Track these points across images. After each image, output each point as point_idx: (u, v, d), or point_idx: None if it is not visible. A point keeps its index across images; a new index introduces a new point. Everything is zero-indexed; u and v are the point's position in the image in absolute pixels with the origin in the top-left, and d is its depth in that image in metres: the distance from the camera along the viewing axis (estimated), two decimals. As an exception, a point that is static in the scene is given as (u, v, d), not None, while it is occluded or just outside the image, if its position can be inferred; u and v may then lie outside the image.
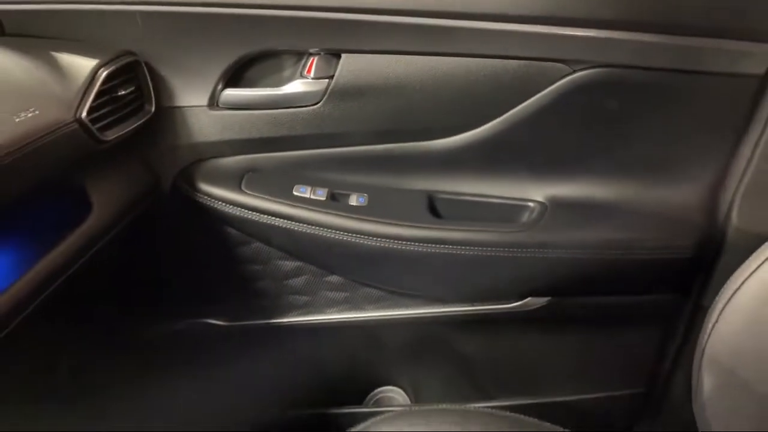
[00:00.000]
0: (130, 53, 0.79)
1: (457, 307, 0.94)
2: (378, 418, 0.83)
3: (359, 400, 1.07)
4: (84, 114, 0.69)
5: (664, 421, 1.00)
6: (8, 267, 0.66)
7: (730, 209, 0.86)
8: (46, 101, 0.67)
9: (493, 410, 0.86)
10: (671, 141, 0.85)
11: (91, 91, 0.71)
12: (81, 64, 0.73)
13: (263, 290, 0.96)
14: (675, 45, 0.79)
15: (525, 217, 0.90)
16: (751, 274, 0.70)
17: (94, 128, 0.71)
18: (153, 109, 0.83)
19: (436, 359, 1.01)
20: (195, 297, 0.98)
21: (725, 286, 0.72)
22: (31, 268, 0.66)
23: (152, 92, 0.83)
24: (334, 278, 0.95)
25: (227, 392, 1.05)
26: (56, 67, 0.72)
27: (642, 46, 0.79)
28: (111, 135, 0.74)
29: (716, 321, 0.72)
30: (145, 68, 0.81)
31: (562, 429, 0.82)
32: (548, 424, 0.84)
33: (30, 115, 0.63)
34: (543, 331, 0.96)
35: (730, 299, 0.72)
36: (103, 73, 0.74)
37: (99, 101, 0.72)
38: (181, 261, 0.96)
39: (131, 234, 0.84)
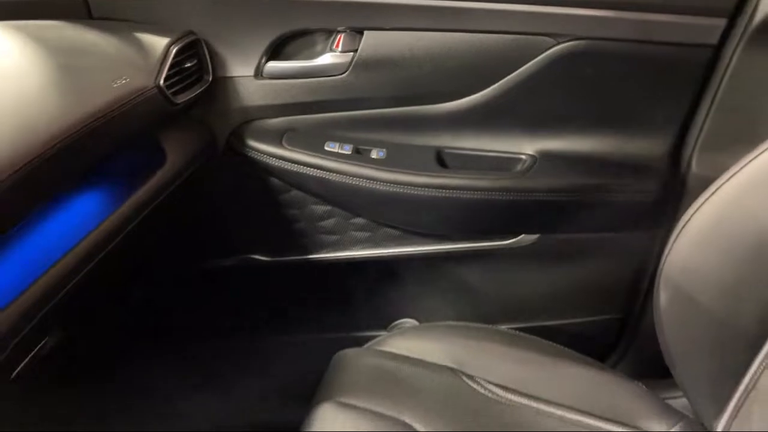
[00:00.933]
0: (192, 33, 0.97)
1: (461, 243, 1.11)
2: (393, 332, 1.01)
3: (380, 328, 1.24)
4: (161, 81, 0.87)
5: (640, 342, 1.16)
6: (105, 203, 0.84)
7: (690, 159, 1.01)
8: (133, 71, 0.85)
9: (490, 326, 1.04)
10: (640, 101, 1.00)
11: (166, 64, 0.88)
12: (156, 42, 0.91)
13: (299, 230, 1.14)
14: (642, 20, 0.94)
15: (518, 167, 1.06)
16: (703, 203, 0.85)
17: (168, 93, 0.88)
18: (210, 78, 1.00)
19: (443, 289, 1.18)
20: (243, 237, 1.16)
21: (684, 214, 0.87)
22: (121, 206, 0.84)
23: (210, 65, 1.00)
24: (358, 220, 1.12)
25: (268, 316, 1.24)
26: (137, 44, 0.90)
27: (615, 22, 0.94)
28: (180, 99, 0.92)
29: (673, 243, 0.88)
30: (203, 45, 0.98)
31: (550, 342, 0.99)
32: (532, 336, 1.02)
33: (123, 82, 0.81)
34: (534, 263, 1.13)
35: (685, 225, 0.87)
36: (174, 49, 0.91)
37: (171, 72, 0.90)
38: (232, 206, 1.13)
39: (193, 183, 1.02)
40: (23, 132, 0.65)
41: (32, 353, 0.71)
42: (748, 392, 0.81)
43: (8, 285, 0.66)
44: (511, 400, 0.89)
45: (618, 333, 1.19)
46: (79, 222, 0.77)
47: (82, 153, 0.72)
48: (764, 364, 0.78)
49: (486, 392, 0.89)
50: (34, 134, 0.66)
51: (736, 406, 0.83)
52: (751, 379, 0.80)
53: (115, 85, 0.79)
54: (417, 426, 0.82)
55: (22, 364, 0.73)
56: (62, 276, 0.71)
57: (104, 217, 0.79)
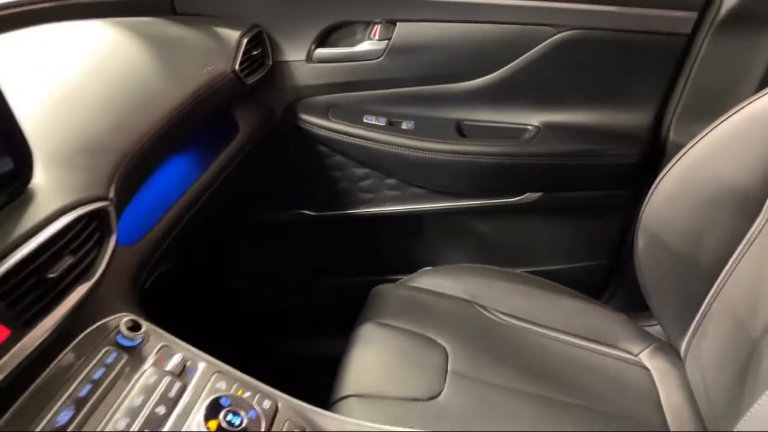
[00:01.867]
0: (257, 25, 1.17)
1: (476, 200, 1.31)
2: (417, 272, 1.22)
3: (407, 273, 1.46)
4: (237, 67, 1.07)
5: (625, 283, 1.36)
6: (198, 164, 1.05)
7: (668, 128, 1.20)
8: (215, 59, 1.05)
9: (499, 268, 1.24)
10: (625, 81, 1.19)
11: (239, 52, 1.09)
12: (231, 34, 1.11)
13: (341, 190, 1.35)
14: (627, 12, 1.12)
15: (524, 136, 1.26)
16: (675, 164, 1.02)
17: (241, 76, 1.09)
18: (270, 63, 1.21)
19: (460, 239, 1.39)
20: (295, 194, 1.37)
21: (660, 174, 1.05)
22: (209, 167, 1.05)
23: (270, 52, 1.20)
24: (390, 181, 1.33)
25: (314, 262, 1.45)
26: (216, 36, 1.10)
27: (605, 14, 1.13)
28: (249, 81, 1.12)
29: (649, 198, 1.06)
30: (265, 35, 1.19)
31: (549, 281, 1.19)
32: (534, 276, 1.22)
33: (210, 68, 1.02)
34: (537, 217, 1.33)
35: (659, 182, 1.05)
36: (244, 40, 1.11)
37: (242, 59, 1.10)
38: (286, 169, 1.34)
39: (255, 149, 1.23)
40: (143, 110, 0.86)
41: (150, 280, 0.92)
42: (704, 315, 1.00)
43: (137, 226, 0.87)
44: (515, 325, 1.09)
45: (607, 276, 1.39)
46: (181, 179, 0.98)
47: (184, 126, 0.93)
48: (716, 292, 0.97)
49: (495, 318, 1.10)
50: (152, 112, 0.87)
51: (695, 327, 1.02)
52: (706, 305, 0.99)
53: (204, 71, 1.00)
54: (439, 340, 1.03)
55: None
56: (173, 220, 0.92)
57: (198, 176, 1.01)
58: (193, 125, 0.97)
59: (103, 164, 0.71)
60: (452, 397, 0.93)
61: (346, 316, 1.13)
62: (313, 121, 1.27)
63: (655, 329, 1.20)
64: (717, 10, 1.09)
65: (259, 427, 0.59)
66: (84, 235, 0.62)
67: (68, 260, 0.59)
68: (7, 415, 0.52)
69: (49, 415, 0.53)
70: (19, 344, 0.52)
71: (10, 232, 0.55)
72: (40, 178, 0.62)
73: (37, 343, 0.54)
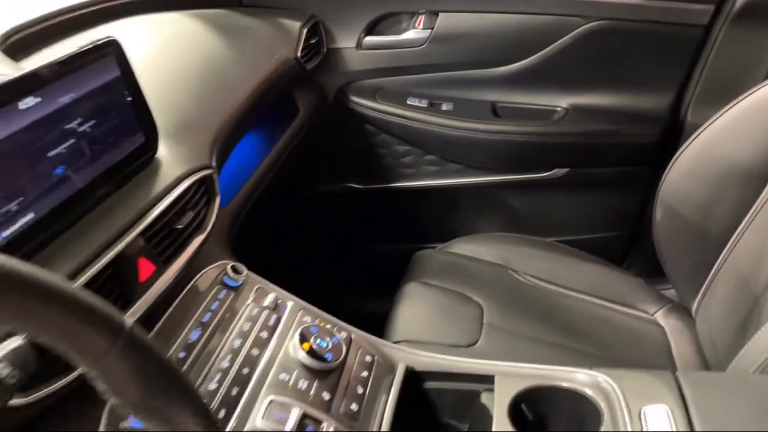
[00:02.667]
0: (314, 16, 1.30)
1: (509, 175, 1.44)
2: (454, 240, 1.35)
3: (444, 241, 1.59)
4: (298, 54, 1.21)
5: (644, 252, 1.48)
6: (268, 140, 1.19)
7: (686, 111, 1.31)
8: (280, 47, 1.19)
9: (528, 237, 1.37)
10: (647, 67, 1.30)
11: (300, 41, 1.22)
12: (292, 25, 1.24)
13: (385, 165, 1.49)
14: (650, 5, 1.24)
15: (554, 116, 1.38)
16: (690, 143, 1.14)
17: (302, 62, 1.22)
18: (325, 50, 1.34)
19: (493, 210, 1.51)
20: (343, 168, 1.51)
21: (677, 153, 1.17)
22: (277, 143, 1.19)
23: (324, 40, 1.33)
24: (430, 157, 1.46)
25: (359, 231, 1.59)
26: (280, 27, 1.24)
27: (629, 6, 1.24)
28: (308, 66, 1.26)
29: (667, 173, 1.17)
30: (321, 25, 1.31)
31: (574, 249, 1.31)
32: (560, 244, 1.34)
33: (277, 56, 1.15)
34: (564, 191, 1.45)
35: (676, 159, 1.16)
36: (304, 30, 1.24)
37: (302, 46, 1.23)
38: (336, 146, 1.48)
39: (310, 128, 1.36)
40: (227, 93, 1.00)
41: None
42: (713, 278, 1.12)
43: (225, 191, 1.02)
44: (542, 286, 1.22)
45: (627, 245, 1.51)
46: (254, 154, 1.13)
47: (258, 106, 1.07)
48: (725, 258, 1.09)
49: (525, 280, 1.23)
50: (234, 94, 1.01)
51: (705, 288, 1.15)
52: (716, 269, 1.11)
53: (272, 59, 1.13)
54: (475, 298, 1.16)
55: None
56: (250, 190, 1.07)
57: (267, 152, 1.15)
58: (264, 105, 1.10)
59: (204, 139, 0.86)
60: (487, 345, 1.06)
61: (389, 279, 1.26)
62: (361, 102, 1.40)
63: (670, 293, 1.32)
64: (732, 3, 1.19)
65: (341, 351, 0.73)
66: (197, 196, 0.77)
67: (190, 215, 0.74)
68: (151, 334, 0.67)
69: (183, 334, 0.68)
70: (161, 278, 0.67)
71: (148, 192, 0.70)
72: (159, 150, 0.76)
73: (173, 278, 0.69)
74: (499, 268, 1.25)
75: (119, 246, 0.62)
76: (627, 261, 1.53)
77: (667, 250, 1.22)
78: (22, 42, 0.87)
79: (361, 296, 1.52)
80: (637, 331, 1.19)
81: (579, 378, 0.72)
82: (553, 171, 1.41)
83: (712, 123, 1.09)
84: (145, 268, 0.65)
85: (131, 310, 0.64)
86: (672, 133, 1.32)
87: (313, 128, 1.36)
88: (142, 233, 0.66)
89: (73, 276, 0.58)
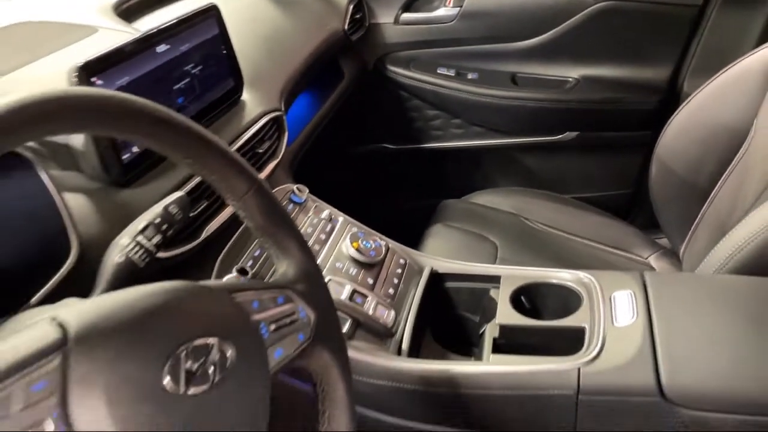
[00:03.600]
0: (359, -6, 1.50)
1: (525, 138, 1.63)
2: (474, 193, 1.54)
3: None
4: (346, 26, 1.41)
5: (645, 209, 1.66)
6: (317, 101, 1.40)
7: (683, 81, 1.48)
8: (331, 19, 1.39)
9: (541, 191, 1.55)
10: (648, 43, 1.47)
11: (347, 16, 1.42)
12: (341, 1, 1.44)
13: (416, 127, 1.69)
14: (651, -13, 1.41)
15: (566, 86, 1.56)
16: (683, 107, 1.29)
17: (348, 34, 1.42)
18: (367, 24, 1.54)
19: (511, 168, 1.70)
20: (379, 131, 1.72)
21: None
22: (326, 102, 1.40)
23: (367, 15, 1.53)
24: (456, 120, 1.66)
25: (392, 186, 1.80)
26: (330, 3, 1.44)
27: (632, -11, 1.41)
28: (353, 37, 1.46)
29: (662, 134, 1.34)
30: (364, 3, 1.51)
31: (581, 202, 1.49)
32: (569, 198, 1.52)
33: (329, 27, 1.35)
34: (574, 152, 1.63)
35: (671, 122, 1.33)
36: (350, 6, 1.45)
37: (349, 20, 1.43)
38: (373, 110, 1.68)
39: (353, 93, 1.56)
40: (291, 53, 1.21)
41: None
42: (697, 225, 1.30)
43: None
44: (550, 232, 1.40)
45: (629, 202, 1.68)
46: (310, 109, 1.34)
47: (314, 67, 1.28)
48: (708, 206, 1.26)
49: (535, 226, 1.42)
50: (296, 54, 1.22)
51: (691, 234, 1.32)
52: (700, 216, 1.28)
53: (326, 29, 1.34)
54: (491, 238, 1.35)
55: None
56: (304, 138, 1.28)
57: (319, 108, 1.36)
58: (317, 68, 1.31)
59: (274, 88, 1.07)
60: (500, 275, 1.26)
61: (417, 228, 1.45)
62: (397, 71, 1.60)
63: (663, 242, 1.49)
64: (723, -13, 1.36)
65: (381, 251, 0.94)
66: (271, 131, 0.98)
67: (267, 144, 0.95)
68: (240, 229, 0.88)
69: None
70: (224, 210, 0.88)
71: (237, 125, 0.91)
72: (243, 94, 0.97)
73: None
74: (513, 217, 1.44)
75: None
76: (630, 216, 1.71)
77: (661, 202, 1.40)
78: (132, 7, 1.08)
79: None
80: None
81: (565, 276, 0.91)
82: (565, 134, 1.60)
83: (702, 89, 1.26)
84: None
85: (224, 212, 0.85)
86: (670, 102, 1.49)
87: (354, 93, 1.56)
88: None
89: (188, 179, 0.79)
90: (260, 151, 0.92)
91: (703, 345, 0.77)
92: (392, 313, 0.88)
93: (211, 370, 0.43)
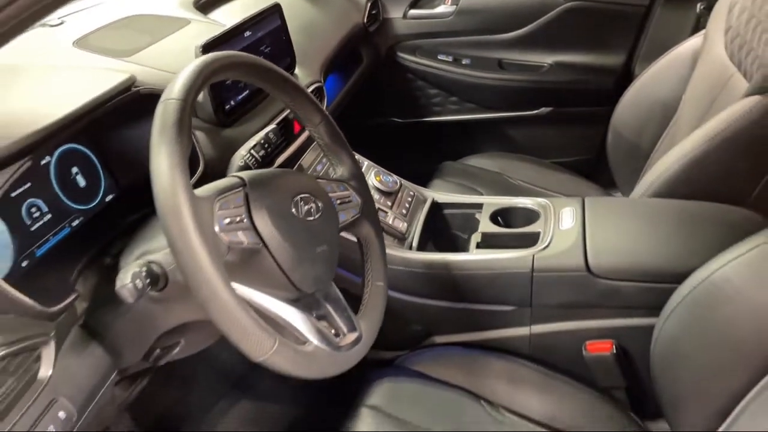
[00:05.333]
0: (375, -7, 1.82)
1: (509, 113, 1.96)
2: (467, 156, 1.86)
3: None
4: (364, 20, 1.73)
5: (605, 172, 1.98)
6: (342, 81, 1.72)
7: (634, 66, 1.81)
8: (353, 15, 1.71)
9: (522, 155, 1.88)
10: (606, 35, 1.79)
11: (365, 11, 1.75)
12: (359, 1, 1.76)
13: (420, 104, 2.02)
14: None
15: (542, 70, 1.88)
16: (633, 84, 1.60)
17: (367, 26, 1.74)
18: (381, 19, 1.86)
19: (496, 138, 2.03)
20: (388, 107, 2.04)
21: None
22: (349, 81, 1.72)
23: (381, 11, 1.85)
24: (453, 98, 1.98)
25: (399, 154, 2.12)
26: (351, 1, 1.75)
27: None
28: (370, 29, 1.78)
29: (616, 108, 1.65)
30: (379, 1, 1.83)
31: (550, 163, 1.82)
32: (543, 160, 1.84)
33: (351, 20, 1.68)
34: (547, 124, 1.95)
35: (622, 98, 1.64)
36: (368, 4, 1.77)
37: (367, 15, 1.75)
38: (385, 89, 2.01)
39: (369, 75, 1.88)
40: (325, 39, 1.53)
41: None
42: (641, 177, 1.62)
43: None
44: (528, 187, 1.72)
45: (593, 166, 2.01)
46: (335, 86, 1.66)
47: (341, 51, 1.60)
48: (649, 165, 1.59)
49: (516, 183, 1.73)
50: (328, 40, 1.53)
51: (636, 186, 1.65)
52: (643, 171, 1.61)
53: (349, 22, 1.66)
54: (478, 189, 1.68)
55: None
56: (334, 108, 1.60)
57: (343, 86, 1.68)
58: (343, 53, 1.63)
59: (315, 65, 1.39)
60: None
61: (422, 185, 1.77)
62: (405, 57, 1.93)
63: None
64: (664, -10, 1.69)
65: (396, 185, 1.27)
66: (317, 96, 1.30)
67: (313, 105, 1.27)
68: (298, 162, 1.21)
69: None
70: (302, 134, 1.21)
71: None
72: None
73: (307, 134, 1.22)
74: (498, 175, 1.76)
75: (285, 113, 1.16)
76: (593, 177, 2.03)
77: (615, 163, 1.72)
78: (207, 2, 1.40)
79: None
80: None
81: (528, 201, 1.25)
82: (541, 109, 1.93)
83: (646, 71, 1.59)
84: (296, 126, 1.19)
85: (294, 144, 1.17)
86: (624, 82, 1.81)
87: (370, 75, 1.88)
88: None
89: (266, 124, 1.11)
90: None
91: (617, 238, 1.11)
92: (405, 224, 1.21)
93: (313, 209, 0.76)
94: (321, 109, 0.88)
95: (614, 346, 1.08)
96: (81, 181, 0.92)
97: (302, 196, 0.76)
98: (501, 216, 1.25)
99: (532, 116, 1.95)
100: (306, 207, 0.76)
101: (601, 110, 1.89)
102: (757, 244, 0.85)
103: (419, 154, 2.09)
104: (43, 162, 0.85)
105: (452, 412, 1.03)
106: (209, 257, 0.59)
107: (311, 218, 0.76)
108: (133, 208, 0.92)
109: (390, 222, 1.18)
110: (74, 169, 0.91)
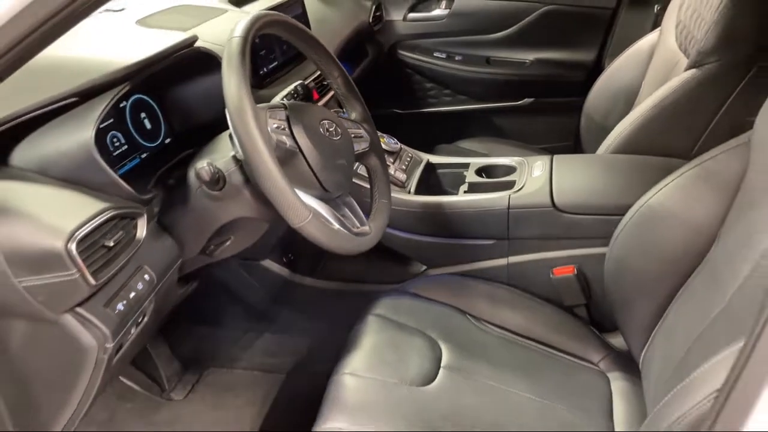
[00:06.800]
0: (379, -1, 2.07)
1: (496, 103, 2.20)
2: (461, 140, 2.09)
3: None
4: (370, 20, 1.98)
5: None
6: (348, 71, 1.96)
7: (604, 60, 2.05)
8: (360, 15, 1.95)
9: (506, 140, 2.11)
10: (579, 35, 2.04)
11: (371, 13, 1.99)
12: (366, 3, 2.01)
13: (418, 95, 2.26)
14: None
15: (524, 65, 2.12)
16: (600, 76, 1.86)
17: (372, 26, 1.99)
18: (384, 20, 2.11)
19: (485, 125, 2.26)
20: (389, 98, 2.28)
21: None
22: (353, 73, 1.96)
23: (384, 13, 2.10)
24: (447, 90, 2.23)
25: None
26: (358, 3, 2.00)
27: (567, -3, 1.99)
28: (375, 28, 2.03)
29: (588, 96, 1.89)
30: (382, 4, 2.08)
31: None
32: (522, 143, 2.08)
33: (359, 19, 1.92)
34: (529, 113, 2.19)
35: (593, 86, 1.88)
36: (373, 6, 2.01)
37: (372, 17, 2.00)
38: (388, 81, 2.25)
39: (373, 69, 2.12)
40: (334, 34, 1.77)
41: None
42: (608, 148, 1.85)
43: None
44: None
45: (572, 151, 2.23)
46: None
47: (349, 46, 1.84)
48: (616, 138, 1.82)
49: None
50: (338, 36, 1.77)
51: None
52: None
53: (356, 21, 1.91)
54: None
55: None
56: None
57: (350, 75, 1.92)
58: (351, 47, 1.87)
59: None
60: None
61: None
62: (405, 54, 2.18)
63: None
64: (627, -6, 1.94)
65: (398, 146, 1.49)
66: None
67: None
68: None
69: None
70: (321, 101, 1.44)
71: (312, 67, 1.47)
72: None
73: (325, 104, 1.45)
74: (484, 155, 2.00)
75: (306, 81, 1.39)
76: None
77: (586, 142, 1.95)
78: (240, -1, 1.65)
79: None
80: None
81: (506, 160, 1.47)
82: (523, 100, 2.17)
83: (612, 64, 1.83)
84: (315, 94, 1.42)
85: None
86: (596, 75, 2.05)
87: (373, 69, 2.12)
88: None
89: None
90: (325, 83, 1.48)
91: (577, 181, 1.33)
92: (405, 176, 1.43)
93: (334, 132, 0.99)
94: (339, 65, 1.11)
95: (576, 270, 1.29)
96: (147, 125, 1.14)
97: (327, 121, 0.99)
98: (484, 171, 1.48)
99: (516, 106, 2.19)
100: (330, 129, 0.98)
101: (575, 101, 2.12)
102: (684, 171, 1.07)
103: (417, 139, 2.33)
104: (121, 105, 1.08)
105: (443, 321, 1.23)
106: (265, 145, 0.82)
107: (334, 138, 0.98)
108: (184, 148, 1.15)
109: (392, 173, 1.40)
110: (142, 115, 1.13)
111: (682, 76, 1.36)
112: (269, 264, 1.51)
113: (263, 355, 1.59)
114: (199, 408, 1.49)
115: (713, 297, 0.88)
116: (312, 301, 1.55)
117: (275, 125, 0.89)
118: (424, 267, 1.45)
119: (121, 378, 1.51)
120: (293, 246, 1.54)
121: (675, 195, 1.06)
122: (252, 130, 0.81)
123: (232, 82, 0.83)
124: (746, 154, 0.92)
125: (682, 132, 1.39)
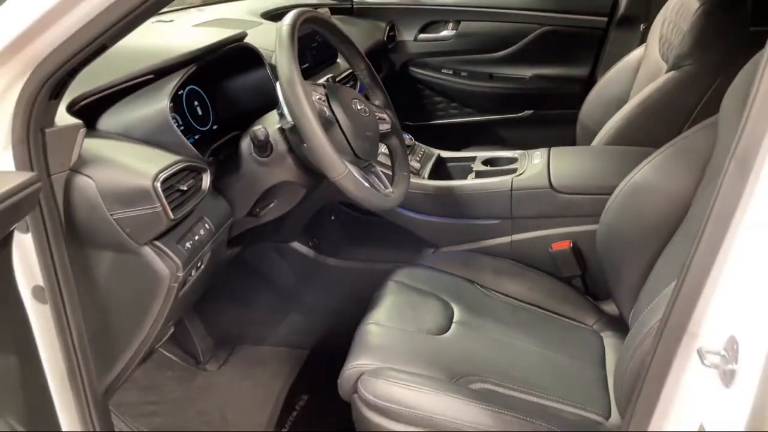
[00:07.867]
0: (392, 21, 2.27)
1: (498, 115, 2.38)
2: (468, 149, 2.27)
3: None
4: (385, 39, 2.17)
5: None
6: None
7: (597, 75, 2.23)
8: (375, 35, 2.15)
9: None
10: (574, 51, 2.23)
11: (385, 33, 2.19)
12: (381, 25, 2.21)
13: (428, 109, 2.45)
14: (574, 17, 2.18)
15: (524, 80, 2.31)
16: (594, 86, 2.04)
17: (386, 44, 2.19)
18: (397, 40, 2.31)
19: (490, 134, 2.43)
20: (402, 111, 2.43)
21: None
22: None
23: (397, 34, 2.31)
24: (454, 104, 2.42)
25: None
26: (374, 25, 2.20)
27: (562, 19, 2.18)
28: (389, 47, 2.22)
29: (583, 105, 2.07)
30: (396, 26, 2.29)
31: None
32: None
33: (374, 39, 2.12)
34: (529, 124, 2.36)
35: (587, 97, 2.06)
36: (387, 28, 2.21)
37: (386, 37, 2.20)
38: (400, 95, 2.42)
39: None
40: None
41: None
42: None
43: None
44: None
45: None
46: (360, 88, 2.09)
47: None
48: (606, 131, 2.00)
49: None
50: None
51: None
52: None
53: (372, 40, 2.10)
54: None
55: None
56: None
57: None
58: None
59: (350, 61, 1.81)
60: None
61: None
62: (415, 71, 2.38)
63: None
64: (616, 15, 2.14)
65: (413, 141, 1.66)
66: (351, 79, 1.72)
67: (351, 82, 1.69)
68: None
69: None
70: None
71: (338, 69, 1.65)
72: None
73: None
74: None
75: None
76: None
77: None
78: (270, 13, 1.84)
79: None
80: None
81: (509, 153, 1.63)
82: (524, 112, 2.35)
83: (604, 77, 2.01)
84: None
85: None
86: (589, 88, 2.24)
87: (387, 84, 2.29)
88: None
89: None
90: (350, 80, 1.67)
91: (572, 166, 1.49)
92: (419, 165, 1.60)
93: (363, 109, 1.16)
94: (365, 59, 1.29)
95: (572, 243, 1.44)
96: (199, 111, 1.32)
97: (357, 100, 1.16)
98: (489, 163, 1.64)
99: (517, 118, 2.37)
100: (360, 107, 1.15)
101: (573, 111, 2.31)
102: (663, 150, 1.22)
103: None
104: (179, 93, 1.26)
105: (454, 288, 1.38)
106: (311, 109, 0.99)
107: (363, 114, 1.15)
108: (230, 132, 1.32)
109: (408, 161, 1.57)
110: (195, 103, 1.31)
111: (663, 77, 1.53)
112: (297, 246, 1.67)
113: (289, 333, 1.73)
114: (232, 378, 1.63)
115: (687, 252, 1.05)
116: (334, 279, 1.69)
117: (317, 97, 1.06)
118: (436, 248, 1.60)
119: (162, 350, 1.65)
120: (318, 229, 1.70)
121: (655, 171, 1.20)
122: (301, 97, 0.98)
123: (284, 59, 1.00)
124: (715, 131, 1.06)
125: (665, 126, 1.56)
